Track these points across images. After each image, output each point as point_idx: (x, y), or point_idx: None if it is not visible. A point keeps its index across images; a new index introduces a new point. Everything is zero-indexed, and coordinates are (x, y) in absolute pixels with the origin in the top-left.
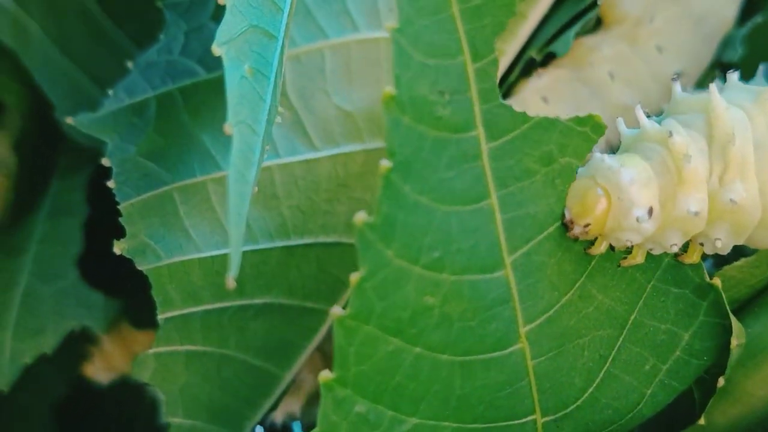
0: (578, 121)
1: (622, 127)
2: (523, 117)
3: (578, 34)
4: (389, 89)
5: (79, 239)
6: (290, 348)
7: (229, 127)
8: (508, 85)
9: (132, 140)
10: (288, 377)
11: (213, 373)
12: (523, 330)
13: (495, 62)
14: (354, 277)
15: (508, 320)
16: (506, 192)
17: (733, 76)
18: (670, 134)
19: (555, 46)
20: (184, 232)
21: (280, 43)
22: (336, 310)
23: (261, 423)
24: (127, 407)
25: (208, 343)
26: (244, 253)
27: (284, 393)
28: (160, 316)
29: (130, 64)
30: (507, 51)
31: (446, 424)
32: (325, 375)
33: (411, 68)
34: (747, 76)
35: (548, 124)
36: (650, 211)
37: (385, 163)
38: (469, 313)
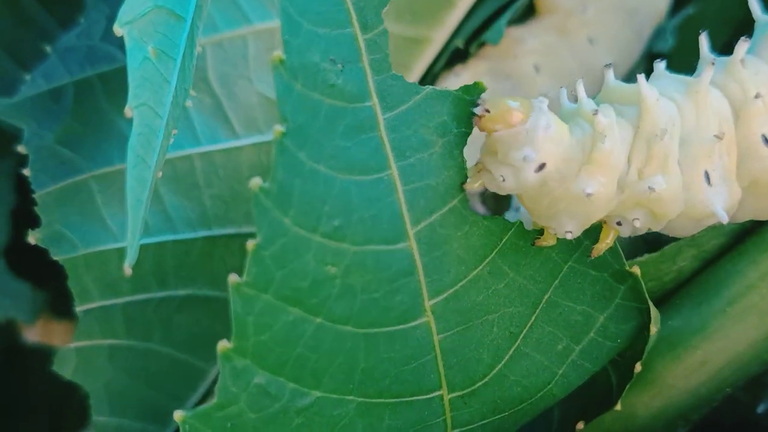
0: (466, 89)
1: (564, 98)
2: (416, 88)
3: (506, 24)
4: (279, 53)
5: (6, 228)
6: (216, 341)
7: (129, 110)
8: (433, 75)
9: (49, 127)
10: (215, 371)
11: (138, 368)
12: (428, 303)
13: (385, 33)
14: (250, 244)
15: (413, 293)
16: (406, 163)
17: (660, 65)
18: (596, 112)
19: (487, 35)
20: (101, 222)
21: (188, 24)
22: (233, 277)
23: None
24: (56, 404)
25: (132, 336)
26: (165, 243)
27: (213, 386)
28: (78, 309)
29: (48, 49)
30: (434, 39)
31: (351, 398)
32: (223, 344)
33: (300, 35)
34: (677, 66)
35: (439, 95)
36: (541, 166)
37: (278, 128)
38: (373, 285)
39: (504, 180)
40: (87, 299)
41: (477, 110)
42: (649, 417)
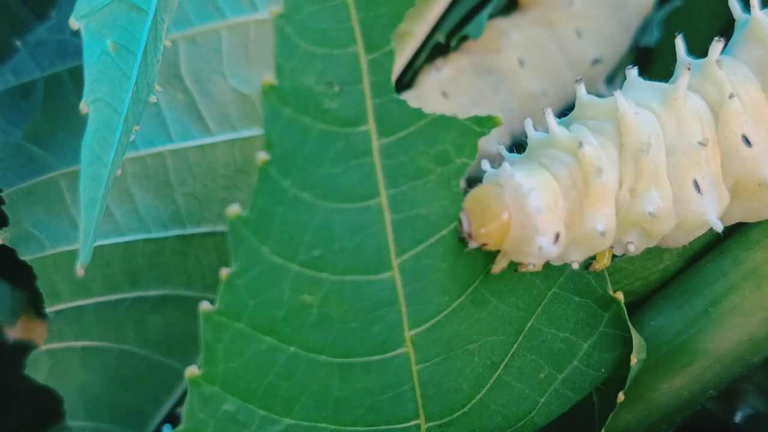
0: (477, 121)
1: (530, 129)
2: (419, 113)
3: (489, 17)
4: (269, 78)
5: None
6: (192, 342)
7: (84, 106)
8: (414, 71)
9: (17, 123)
10: None
11: (112, 371)
12: (408, 334)
13: (391, 54)
14: (224, 273)
15: (392, 323)
16: (397, 191)
17: (633, 72)
18: (581, 144)
19: (468, 29)
20: (70, 221)
21: (151, 17)
22: (204, 305)
23: (168, 420)
24: (43, 400)
25: (105, 338)
26: (136, 242)
27: None
28: (48, 310)
29: (18, 43)
30: (415, 33)
31: (323, 425)
32: (192, 371)
33: (295, 57)
34: (663, 60)
35: (446, 122)
36: (556, 237)
37: (263, 156)
38: (351, 315)
39: (534, 265)
40: (57, 300)
41: (472, 246)
42: (633, 419)
